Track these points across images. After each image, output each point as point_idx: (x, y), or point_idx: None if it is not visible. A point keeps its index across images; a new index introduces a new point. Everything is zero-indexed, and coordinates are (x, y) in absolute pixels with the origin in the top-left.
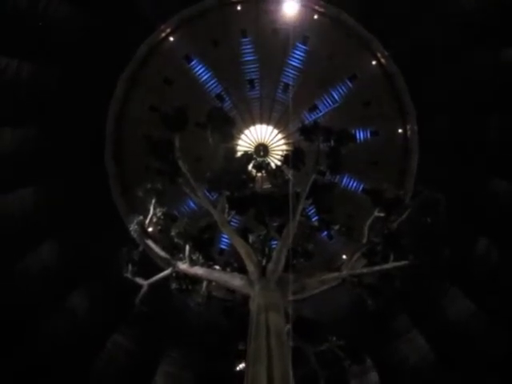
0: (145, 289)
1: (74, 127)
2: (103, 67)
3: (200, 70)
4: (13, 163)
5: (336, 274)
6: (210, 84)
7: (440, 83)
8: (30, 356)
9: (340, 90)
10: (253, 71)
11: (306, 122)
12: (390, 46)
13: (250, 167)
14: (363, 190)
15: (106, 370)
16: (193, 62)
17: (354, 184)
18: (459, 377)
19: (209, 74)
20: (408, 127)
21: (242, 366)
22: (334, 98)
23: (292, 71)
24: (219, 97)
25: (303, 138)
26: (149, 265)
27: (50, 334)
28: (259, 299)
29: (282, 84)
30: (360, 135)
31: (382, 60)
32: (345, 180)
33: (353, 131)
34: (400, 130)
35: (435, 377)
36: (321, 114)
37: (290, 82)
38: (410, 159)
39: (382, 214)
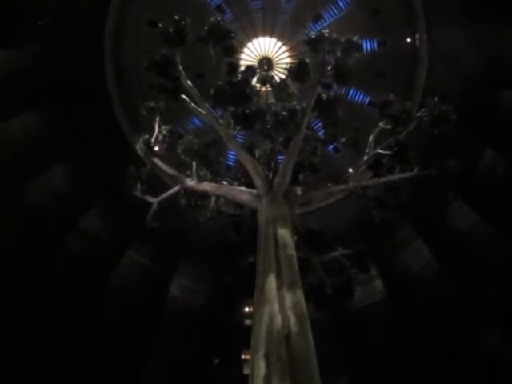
0: (155, 206)
1: (70, 46)
2: None
3: None
4: (12, 87)
5: (342, 187)
6: None
7: None
8: (46, 276)
9: None
10: None
11: (311, 32)
12: None
13: (253, 81)
14: (370, 102)
15: (122, 286)
16: None
17: (361, 97)
18: (462, 284)
19: None
20: (417, 36)
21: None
22: (339, 6)
23: None
24: (219, 8)
25: (308, 50)
26: (158, 184)
27: (65, 253)
28: (267, 212)
29: None
30: (367, 45)
31: None
32: (351, 93)
33: (359, 41)
34: (408, 39)
35: (438, 284)
36: (326, 24)
37: None
38: (419, 70)
39: (388, 126)
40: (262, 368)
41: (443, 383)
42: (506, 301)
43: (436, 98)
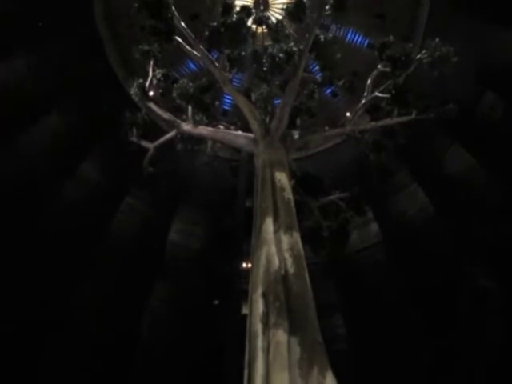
0: (151, 151)
1: None
2: None
3: None
4: None
5: (339, 130)
6: None
7: None
8: (45, 222)
9: None
10: None
11: None
12: None
13: (249, 22)
14: (369, 44)
15: (122, 232)
16: None
17: (360, 39)
18: (457, 227)
19: None
20: None
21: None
22: None
23: None
24: None
25: None
26: (154, 129)
27: (65, 200)
28: (264, 156)
29: None
30: None
31: None
32: (349, 35)
33: None
34: None
35: (433, 227)
36: None
37: None
38: (420, 10)
39: (387, 69)
40: (260, 306)
41: (437, 321)
42: (500, 243)
43: (437, 40)
